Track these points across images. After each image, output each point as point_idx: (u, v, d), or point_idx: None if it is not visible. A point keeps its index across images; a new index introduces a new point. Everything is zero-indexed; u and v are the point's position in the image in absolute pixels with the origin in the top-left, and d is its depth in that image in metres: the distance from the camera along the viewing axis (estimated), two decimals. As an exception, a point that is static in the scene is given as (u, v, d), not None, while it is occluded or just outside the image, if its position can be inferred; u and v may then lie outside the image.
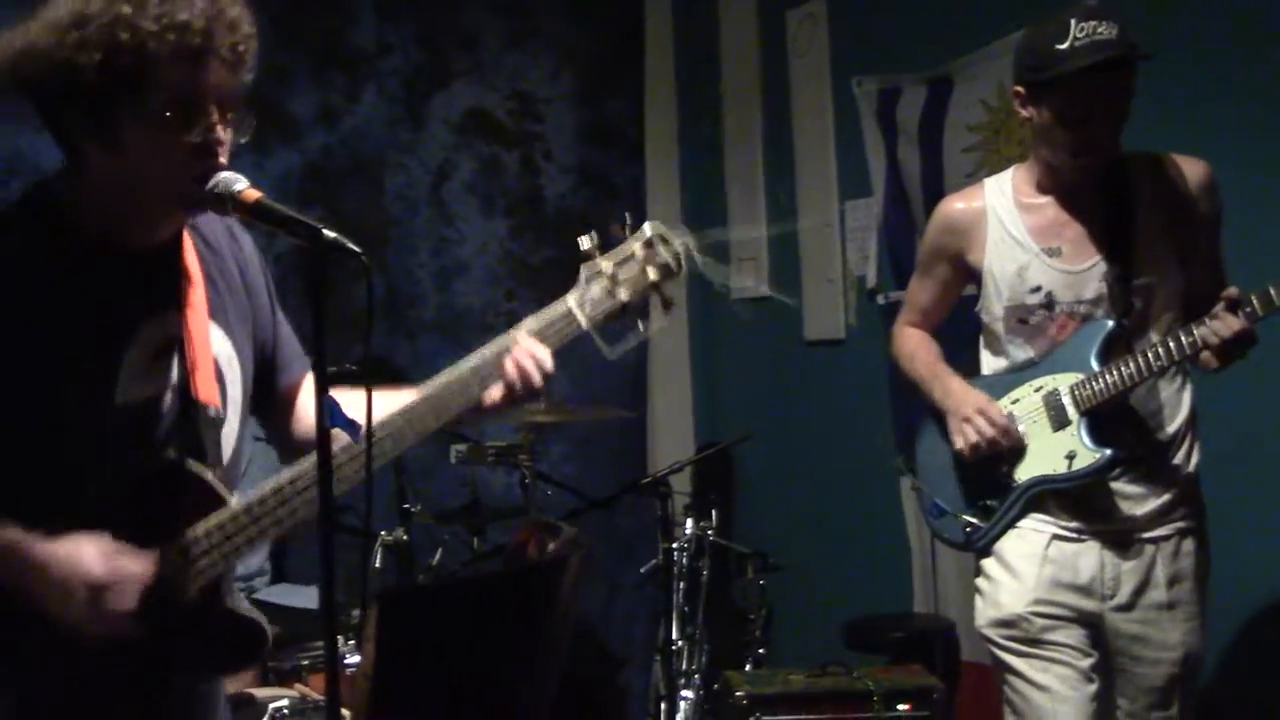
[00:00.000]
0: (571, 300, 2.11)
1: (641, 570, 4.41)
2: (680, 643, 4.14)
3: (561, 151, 5.26)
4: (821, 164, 4.65)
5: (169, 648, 1.90)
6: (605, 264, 2.10)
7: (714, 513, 4.43)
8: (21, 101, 1.89)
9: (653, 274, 2.11)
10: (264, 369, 2.14)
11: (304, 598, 4.09)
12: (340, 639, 3.22)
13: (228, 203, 1.83)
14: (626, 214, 2.17)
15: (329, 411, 1.68)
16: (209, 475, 1.93)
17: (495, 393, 2.12)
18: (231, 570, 1.96)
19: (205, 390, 1.97)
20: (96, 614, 1.81)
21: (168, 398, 1.94)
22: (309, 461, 1.92)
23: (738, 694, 3.51)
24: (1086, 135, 2.55)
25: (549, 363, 2.08)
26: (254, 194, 1.82)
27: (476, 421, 2.09)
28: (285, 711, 2.99)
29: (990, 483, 2.76)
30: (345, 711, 1.73)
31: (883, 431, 4.14)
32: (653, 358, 5.31)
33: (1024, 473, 2.71)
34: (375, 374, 1.87)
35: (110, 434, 1.89)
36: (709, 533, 4.33)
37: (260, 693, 3.20)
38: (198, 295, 1.99)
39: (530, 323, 2.12)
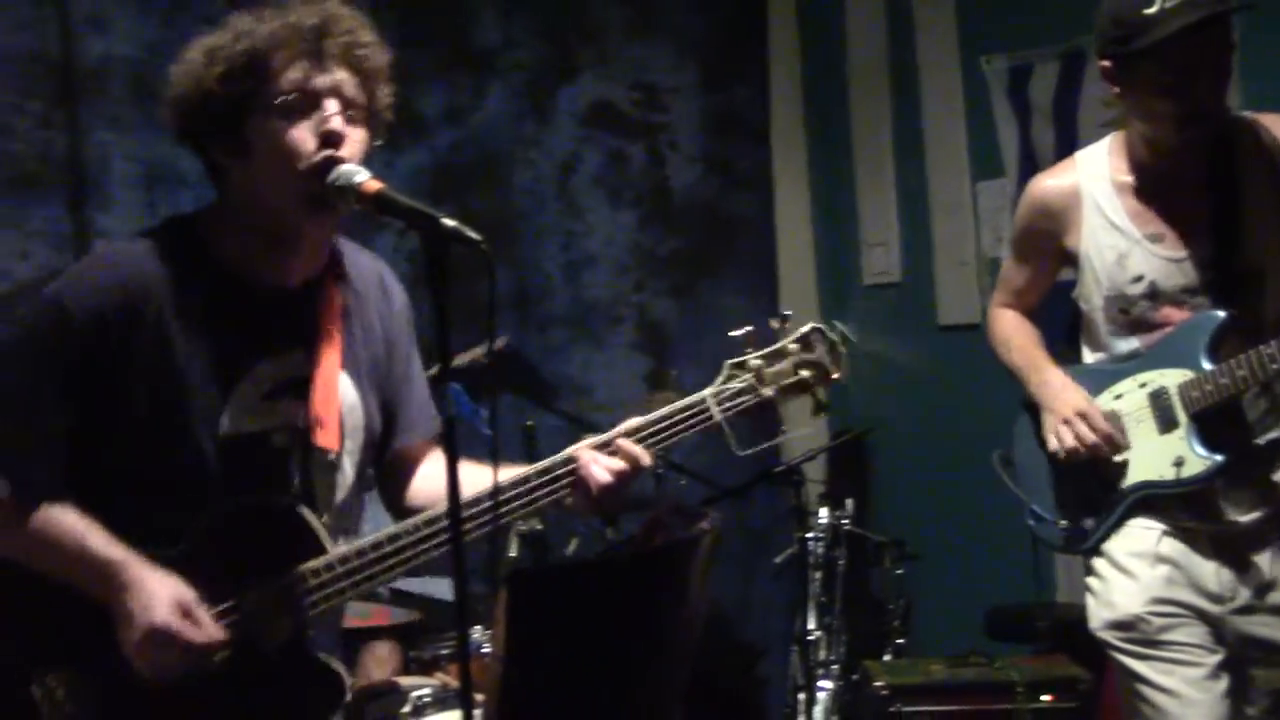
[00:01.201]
0: (709, 393, 2.06)
1: (776, 560, 4.38)
2: (818, 633, 4.10)
3: (687, 141, 5.24)
4: (952, 145, 4.57)
5: (246, 689, 1.91)
6: (754, 360, 2.05)
7: (849, 501, 4.37)
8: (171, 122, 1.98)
9: (806, 374, 2.06)
10: (384, 427, 2.14)
11: (444, 588, 4.15)
12: (479, 629, 3.27)
13: (349, 195, 1.86)
14: (787, 311, 2.11)
15: (453, 400, 1.68)
16: (312, 519, 1.95)
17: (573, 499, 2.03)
18: (321, 617, 1.96)
19: (324, 435, 1.99)
20: (147, 657, 1.84)
21: (281, 437, 1.97)
22: (410, 523, 1.94)
23: (877, 684, 3.47)
24: (1190, 103, 2.35)
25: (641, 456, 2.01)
26: (375, 185, 1.85)
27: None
28: (427, 699, 3.03)
29: (1091, 487, 2.59)
30: (479, 696, 1.74)
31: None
32: (784, 346, 5.26)
33: (1129, 478, 2.54)
34: (506, 366, 1.88)
35: (213, 467, 1.92)
36: (844, 522, 4.28)
37: (404, 681, 3.26)
38: (332, 340, 2.02)
39: (662, 411, 2.07)
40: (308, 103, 1.89)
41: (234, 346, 1.95)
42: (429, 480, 2.18)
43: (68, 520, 1.90)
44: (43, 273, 3.99)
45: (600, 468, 1.99)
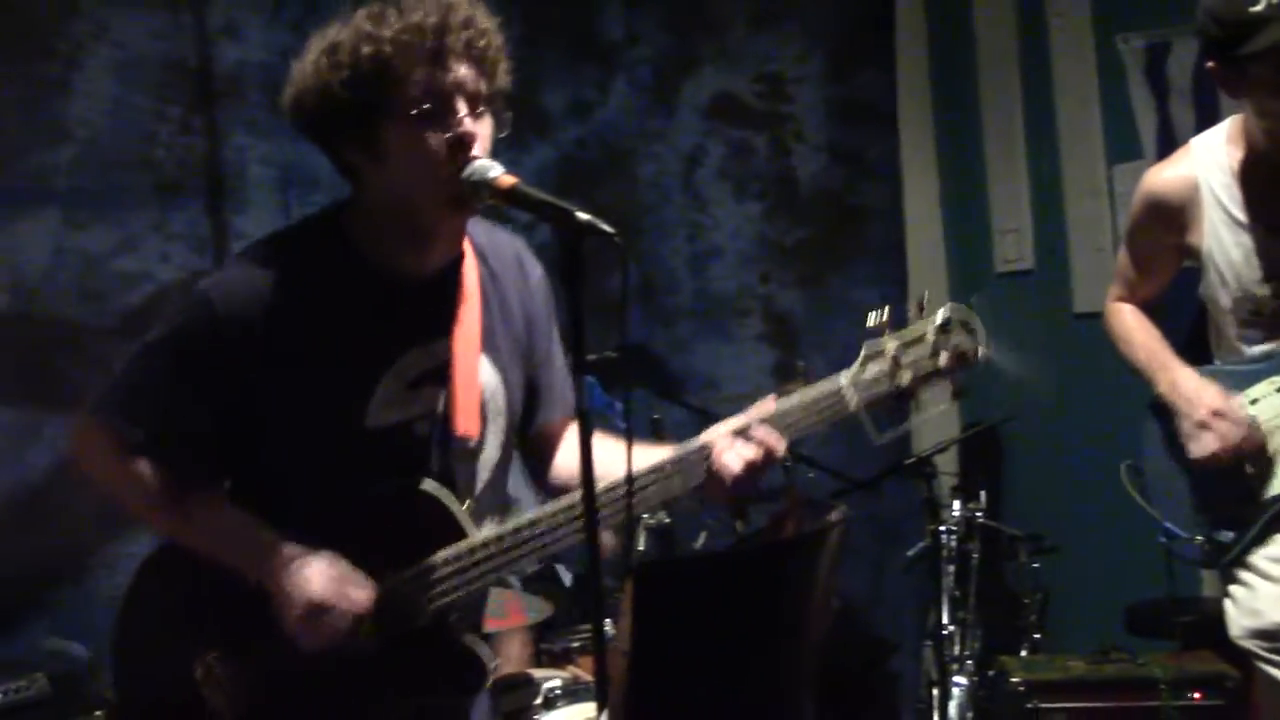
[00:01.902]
0: (844, 379, 2.00)
1: (908, 554, 4.32)
2: (952, 628, 4.03)
3: (812, 131, 5.20)
4: (1087, 128, 4.45)
5: (391, 669, 1.95)
6: (890, 344, 1.98)
7: (982, 494, 4.29)
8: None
9: (944, 360, 1.99)
10: (526, 406, 2.16)
11: (569, 575, 4.17)
12: (608, 621, 3.28)
13: (483, 190, 1.87)
14: (925, 292, 2.04)
15: (588, 392, 1.69)
16: (453, 505, 1.97)
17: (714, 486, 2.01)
18: (465, 600, 1.98)
19: (464, 421, 2.01)
20: (308, 629, 1.89)
21: (422, 425, 2.00)
22: (552, 507, 1.95)
23: (1014, 680, 3.40)
24: None
25: (767, 452, 1.97)
26: (509, 180, 1.86)
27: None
28: (558, 691, 3.05)
29: (1229, 496, 2.45)
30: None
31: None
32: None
33: (1272, 488, 2.40)
34: (633, 360, 1.87)
35: (358, 457, 1.96)
36: (978, 514, 4.20)
37: (535, 673, 3.29)
38: (471, 323, 2.04)
39: (796, 398, 2.02)
40: (437, 106, 1.90)
41: (377, 339, 1.98)
42: (572, 457, 2.13)
43: (220, 507, 1.99)
44: (183, 274, 4.11)
45: (734, 455, 1.96)
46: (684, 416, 4.60)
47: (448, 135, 1.89)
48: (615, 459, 1.86)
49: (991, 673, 3.73)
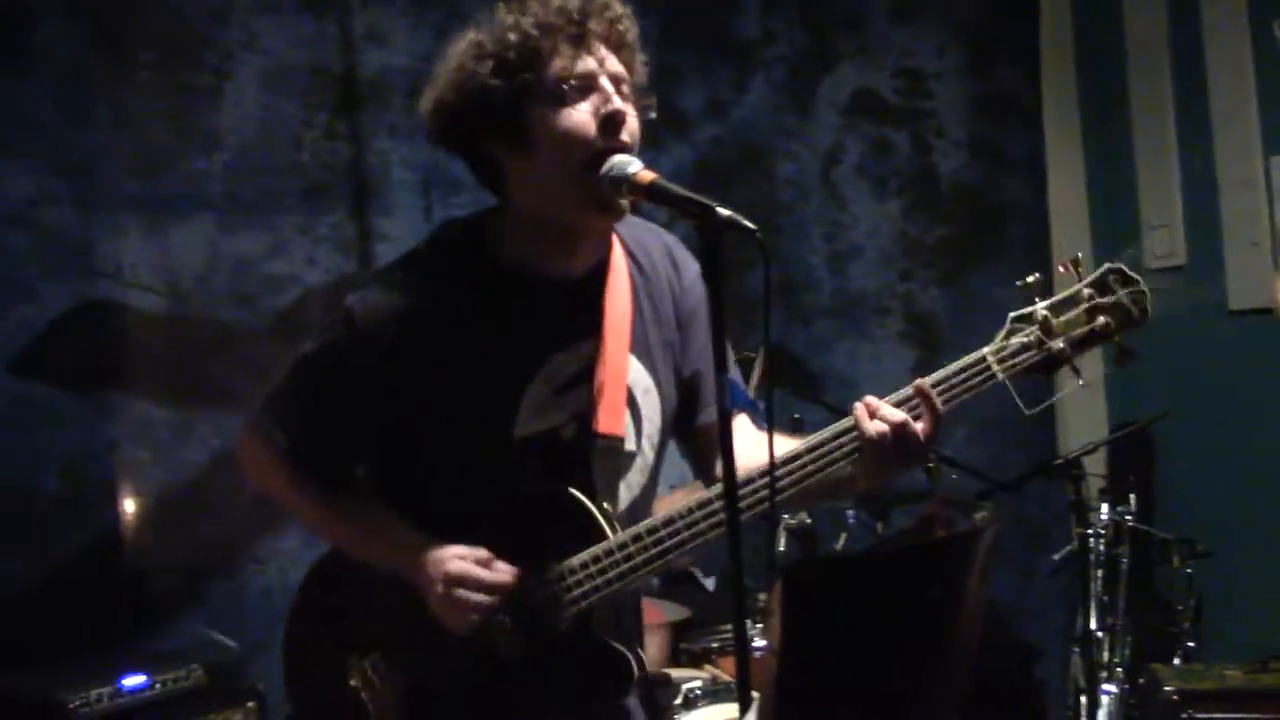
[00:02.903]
0: (989, 350, 1.92)
1: (1055, 557, 4.23)
2: (1100, 634, 3.93)
3: (953, 127, 5.11)
4: (1242, 119, 4.30)
5: (544, 679, 1.97)
6: (1041, 310, 1.90)
7: (1132, 496, 4.17)
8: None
9: (1104, 320, 1.90)
10: (687, 400, 2.14)
11: (710, 581, 4.16)
12: (748, 622, 3.27)
13: (622, 186, 1.87)
14: (1079, 253, 1.92)
15: (730, 391, 1.68)
16: (593, 508, 1.97)
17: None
18: (607, 602, 1.98)
19: (608, 422, 2.01)
20: (448, 603, 1.91)
21: (569, 429, 2.00)
22: (685, 506, 1.94)
23: (1166, 689, 3.30)
24: None
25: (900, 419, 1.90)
26: (649, 175, 1.85)
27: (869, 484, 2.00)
28: (698, 692, 3.05)
29: None
30: (755, 693, 1.72)
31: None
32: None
33: None
34: (773, 358, 1.86)
35: (506, 465, 1.98)
36: (1128, 518, 4.09)
37: (675, 673, 3.29)
38: (620, 325, 2.03)
39: (939, 374, 1.94)
40: (584, 87, 1.91)
41: (524, 345, 1.99)
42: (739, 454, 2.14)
43: (365, 506, 2.06)
44: (329, 277, 4.21)
45: (878, 420, 1.90)
46: (823, 417, 4.57)
47: (593, 113, 1.89)
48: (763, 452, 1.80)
49: (1142, 681, 3.63)
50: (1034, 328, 1.88)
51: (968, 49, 5.13)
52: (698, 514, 1.93)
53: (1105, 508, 4.09)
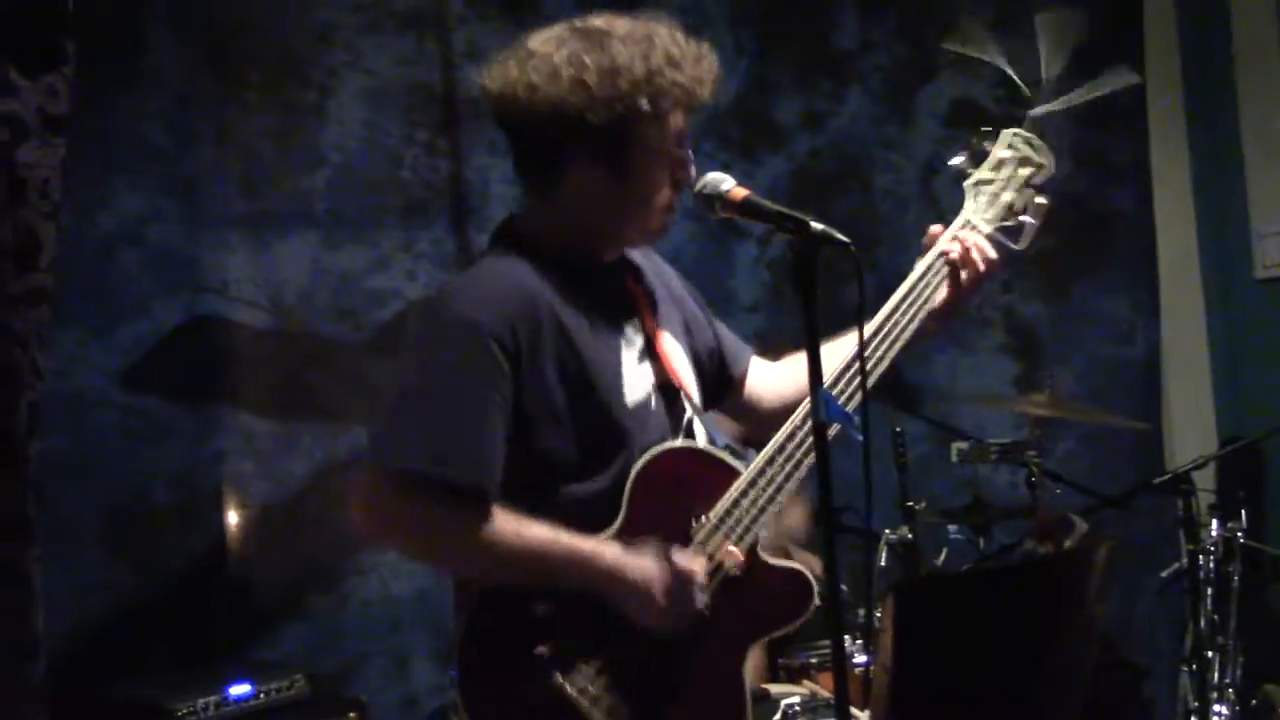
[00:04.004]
0: (968, 212, 2.30)
1: (1162, 575, 4.14)
2: (1210, 654, 3.84)
3: (1056, 135, 5.02)
4: (1358, 122, 4.18)
5: (727, 615, 2.04)
6: (982, 173, 2.33)
7: (1243, 512, 4.07)
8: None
9: (1024, 171, 2.34)
10: (717, 366, 2.32)
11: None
12: (847, 638, 3.24)
13: (715, 202, 1.92)
14: (985, 128, 2.42)
15: (824, 404, 1.67)
16: (716, 450, 2.09)
17: (943, 291, 2.27)
18: (765, 527, 2.09)
19: (683, 380, 2.16)
20: (660, 615, 1.98)
21: (656, 395, 2.12)
22: (796, 414, 2.07)
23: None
24: None
25: (987, 246, 2.24)
26: (742, 191, 1.92)
27: (946, 319, 2.32)
28: (797, 708, 3.02)
29: None
30: (855, 711, 1.71)
31: None
32: (1167, 347, 4.98)
33: None
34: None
35: (625, 435, 2.05)
36: (1239, 535, 3.99)
37: (773, 689, 3.27)
38: (649, 304, 2.19)
39: (941, 227, 2.28)
40: (681, 145, 2.08)
41: (606, 321, 2.10)
42: (771, 376, 2.38)
43: (527, 524, 1.99)
44: (429, 292, 4.25)
45: (952, 241, 2.22)
46: (921, 430, 4.52)
47: (679, 171, 2.07)
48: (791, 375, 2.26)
49: (1255, 702, 3.53)
50: (986, 186, 2.32)
51: (1070, 55, 5.04)
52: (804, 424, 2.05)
53: (1215, 524, 4.01)
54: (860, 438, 1.80)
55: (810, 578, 2.10)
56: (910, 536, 3.72)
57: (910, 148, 4.96)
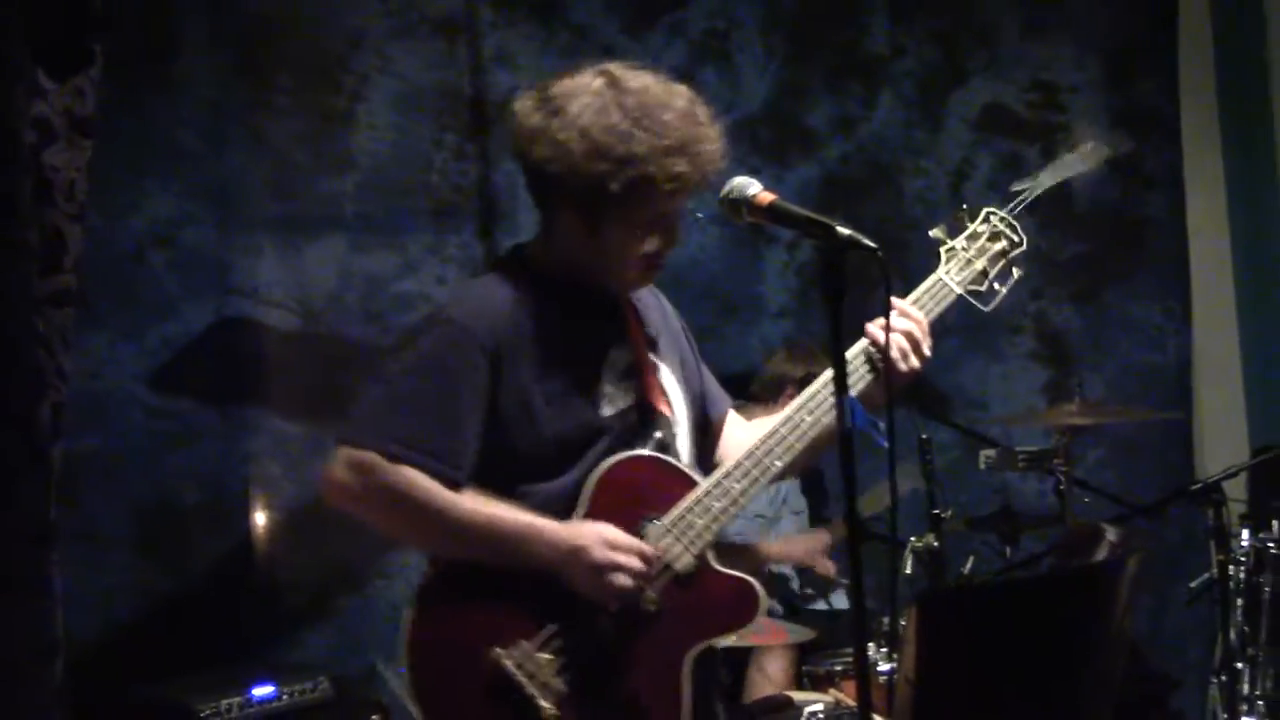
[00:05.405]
0: (940, 273, 2.43)
1: (1192, 585, 4.10)
2: (1241, 665, 3.80)
3: (1087, 141, 5.00)
4: (1394, 129, 4.14)
5: (673, 614, 2.10)
6: (958, 243, 2.46)
7: (1275, 523, 4.03)
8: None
9: (999, 245, 2.45)
10: (700, 409, 2.40)
11: (836, 601, 4.11)
12: (871, 645, 3.23)
13: (741, 207, 1.92)
14: (964, 205, 2.54)
15: (850, 411, 1.67)
16: (676, 461, 2.17)
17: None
18: (717, 536, 2.15)
19: (661, 403, 2.23)
20: (599, 586, 2.05)
21: (632, 413, 2.19)
22: (761, 434, 2.16)
23: (1312, 723, 3.16)
24: None
25: (920, 317, 2.33)
26: (768, 196, 1.93)
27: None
28: (820, 716, 3.01)
29: None
30: (878, 719, 1.70)
31: None
32: (1199, 355, 4.93)
33: None
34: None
35: (594, 444, 2.14)
36: (1270, 545, 3.95)
37: (797, 696, 3.26)
38: (641, 330, 2.26)
39: (910, 296, 2.37)
40: (666, 226, 2.13)
41: (591, 342, 2.18)
42: (738, 435, 2.44)
43: (486, 504, 2.11)
44: (453, 297, 4.26)
45: (881, 332, 2.18)
46: (951, 437, 4.49)
47: (652, 249, 2.12)
48: (759, 430, 2.21)
49: (1287, 715, 3.49)
50: (960, 254, 2.44)
51: (1103, 62, 5.01)
52: (770, 442, 2.16)
53: (1246, 534, 3.96)
54: (885, 443, 1.80)
55: (757, 588, 2.16)
56: (936, 544, 3.70)
57: (941, 153, 4.93)
